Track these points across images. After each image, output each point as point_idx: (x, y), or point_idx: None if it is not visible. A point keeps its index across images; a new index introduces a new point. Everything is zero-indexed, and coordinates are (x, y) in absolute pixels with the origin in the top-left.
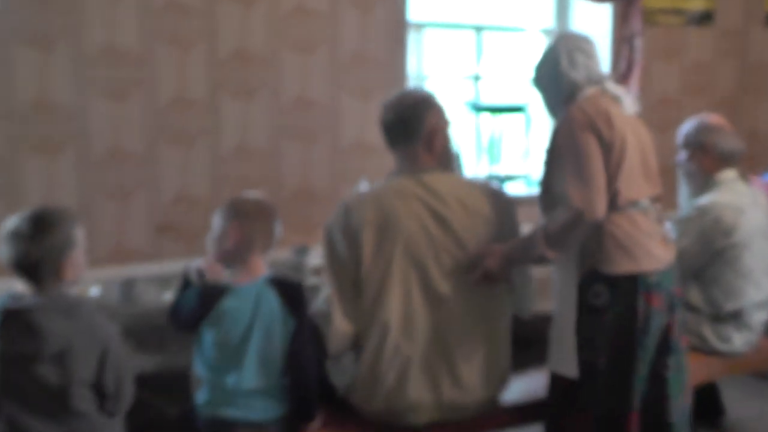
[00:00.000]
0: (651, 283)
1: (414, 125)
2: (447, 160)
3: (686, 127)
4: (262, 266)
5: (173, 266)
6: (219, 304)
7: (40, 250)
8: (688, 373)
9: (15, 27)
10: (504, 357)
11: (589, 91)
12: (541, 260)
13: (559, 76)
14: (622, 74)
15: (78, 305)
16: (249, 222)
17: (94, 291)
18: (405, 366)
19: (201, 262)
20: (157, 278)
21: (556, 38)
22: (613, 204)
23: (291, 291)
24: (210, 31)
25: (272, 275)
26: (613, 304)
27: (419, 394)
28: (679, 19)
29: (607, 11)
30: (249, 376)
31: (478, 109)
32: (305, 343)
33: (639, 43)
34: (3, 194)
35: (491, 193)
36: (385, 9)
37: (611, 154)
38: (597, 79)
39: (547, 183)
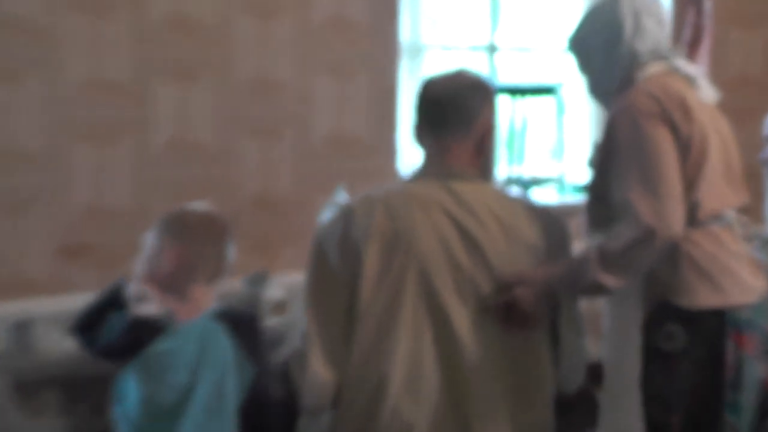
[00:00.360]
0: (742, 320)
1: (466, 114)
2: (489, 169)
3: None
4: (208, 298)
5: (83, 300)
6: (150, 344)
7: None
8: None
9: None
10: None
11: (654, 67)
12: (595, 291)
13: (619, 46)
14: (687, 44)
15: None
16: (191, 243)
17: None
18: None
19: (132, 287)
20: (62, 317)
21: None
22: (692, 218)
23: (247, 327)
24: None
25: (221, 309)
26: (692, 347)
27: None
28: None
29: None
30: None
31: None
32: (268, 397)
33: (709, 4)
34: None
35: (543, 217)
36: None
37: (689, 153)
38: (665, 53)
39: (600, 189)
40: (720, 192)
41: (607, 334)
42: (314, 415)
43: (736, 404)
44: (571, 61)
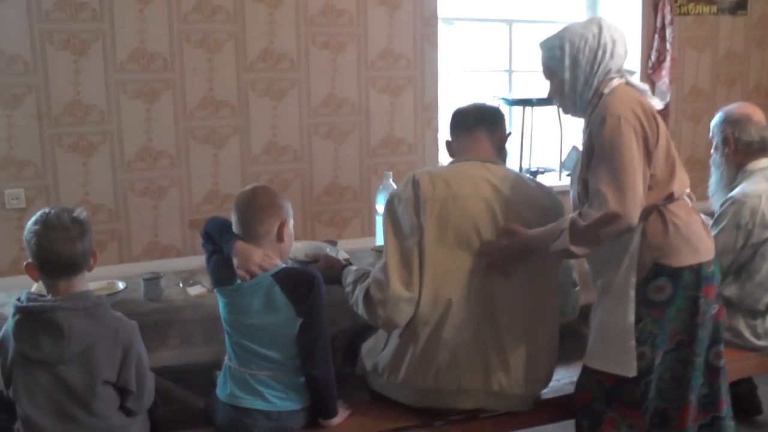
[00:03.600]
0: (708, 274)
1: (496, 119)
2: (504, 158)
3: (713, 119)
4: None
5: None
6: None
7: (83, 248)
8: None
9: None
10: (551, 352)
11: (616, 81)
12: (563, 255)
13: (600, 65)
14: (653, 66)
15: (98, 304)
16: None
17: (120, 286)
18: (461, 346)
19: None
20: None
21: (599, 24)
22: (671, 196)
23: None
24: None
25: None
26: (676, 298)
27: (470, 378)
28: (711, 8)
29: (637, 2)
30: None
31: (511, 103)
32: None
33: (670, 33)
34: None
35: (544, 190)
36: (413, 4)
37: (659, 153)
38: (623, 72)
39: (586, 180)
40: (683, 176)
41: (600, 289)
42: (389, 329)
43: (700, 338)
44: (553, 74)
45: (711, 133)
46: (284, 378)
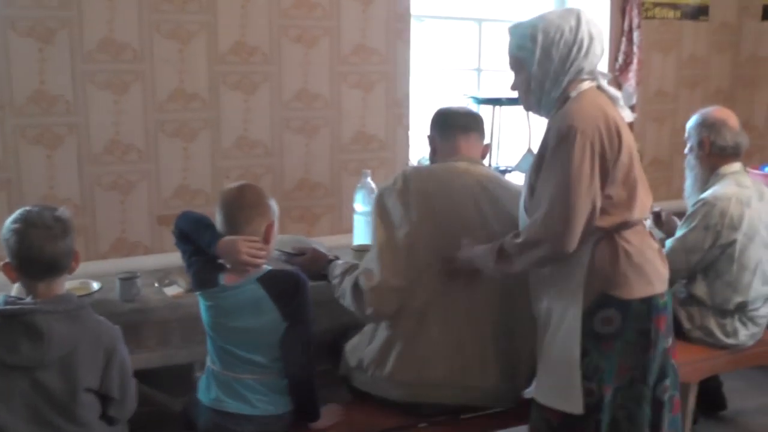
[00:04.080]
0: (661, 305)
1: (480, 122)
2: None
3: (689, 121)
4: None
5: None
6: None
7: (66, 247)
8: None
9: None
10: (534, 349)
11: (586, 84)
12: (500, 273)
13: (571, 62)
14: (620, 68)
15: (80, 307)
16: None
17: (95, 286)
18: (446, 339)
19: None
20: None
21: (577, 17)
22: (626, 222)
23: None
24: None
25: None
26: (625, 330)
27: (454, 372)
28: (675, 13)
29: (605, 4)
30: None
31: (480, 101)
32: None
33: (637, 36)
34: None
35: (516, 189)
36: (386, 1)
37: (617, 174)
38: (595, 74)
39: (533, 187)
40: (645, 199)
41: (543, 320)
42: (377, 321)
43: (651, 371)
44: (518, 68)
45: (686, 134)
46: (269, 381)
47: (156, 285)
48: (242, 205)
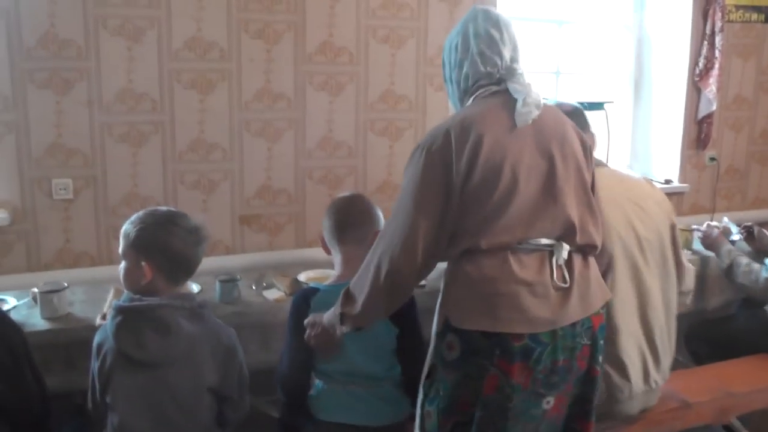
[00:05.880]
0: (515, 349)
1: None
2: None
3: None
4: None
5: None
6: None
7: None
8: None
9: None
10: None
11: (483, 90)
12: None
13: (458, 67)
14: (700, 73)
15: (202, 306)
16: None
17: (195, 288)
18: None
19: None
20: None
21: (467, 15)
22: (476, 248)
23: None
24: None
25: None
26: (464, 361)
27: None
28: (759, 16)
29: (687, 7)
30: None
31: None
32: None
33: (720, 40)
34: None
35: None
36: (473, 3)
37: (469, 186)
38: (504, 76)
39: None
40: (514, 225)
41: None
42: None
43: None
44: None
45: None
46: (382, 392)
47: (253, 288)
48: (353, 212)
